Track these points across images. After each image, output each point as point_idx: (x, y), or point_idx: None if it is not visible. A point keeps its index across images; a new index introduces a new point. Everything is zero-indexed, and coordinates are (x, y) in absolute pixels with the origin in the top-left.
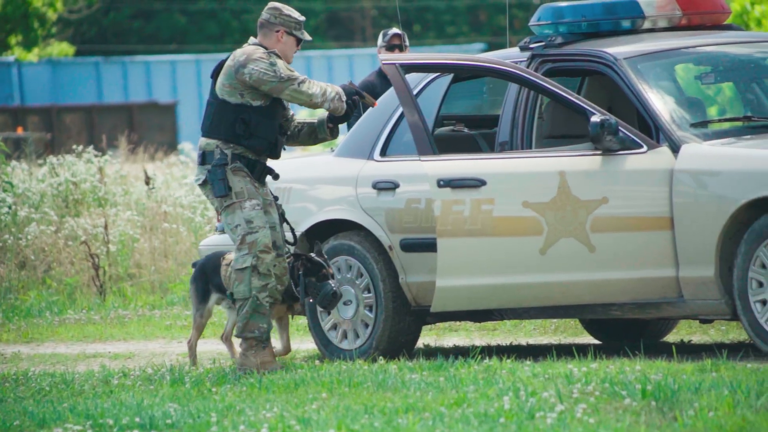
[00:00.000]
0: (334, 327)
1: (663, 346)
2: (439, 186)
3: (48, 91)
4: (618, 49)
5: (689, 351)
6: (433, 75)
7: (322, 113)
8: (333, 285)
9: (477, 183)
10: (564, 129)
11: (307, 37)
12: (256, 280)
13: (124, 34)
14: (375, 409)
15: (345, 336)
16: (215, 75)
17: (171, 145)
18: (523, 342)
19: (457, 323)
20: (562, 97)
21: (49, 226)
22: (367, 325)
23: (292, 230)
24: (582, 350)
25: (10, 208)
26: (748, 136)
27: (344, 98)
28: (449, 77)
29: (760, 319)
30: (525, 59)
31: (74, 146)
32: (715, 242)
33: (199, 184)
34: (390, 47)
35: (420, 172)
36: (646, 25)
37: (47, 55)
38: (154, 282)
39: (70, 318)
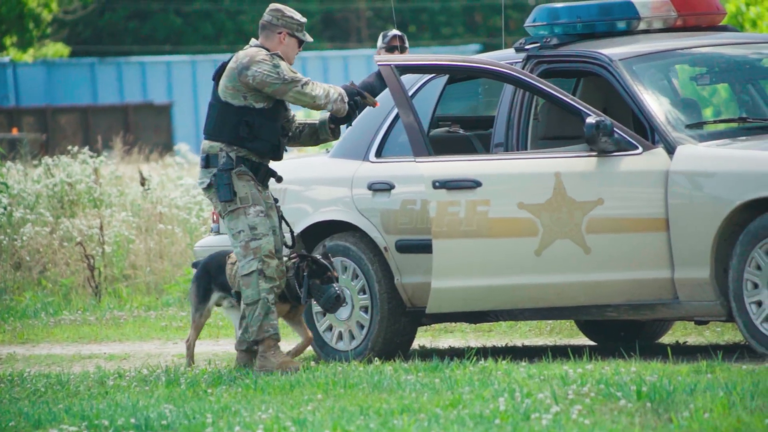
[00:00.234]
0: (330, 328)
1: (658, 348)
2: (435, 187)
3: (43, 91)
4: (613, 50)
5: (684, 352)
6: (428, 76)
7: (322, 114)
8: (337, 288)
9: (472, 184)
10: (559, 130)
11: (309, 38)
12: (264, 283)
13: (120, 35)
14: (370, 410)
15: (340, 337)
16: (217, 77)
17: (166, 146)
18: (519, 343)
19: (453, 324)
20: (558, 98)
21: (44, 227)
22: (362, 327)
23: (292, 233)
24: (577, 351)
25: (5, 209)
26: (744, 138)
27: (346, 99)
28: (444, 78)
29: (756, 321)
30: (520, 60)
31: (69, 147)
32: (710, 243)
33: (204, 188)
34: (390, 48)
35: (415, 173)
36: (642, 26)
37: (42, 56)
38: (150, 283)
39: (66, 319)
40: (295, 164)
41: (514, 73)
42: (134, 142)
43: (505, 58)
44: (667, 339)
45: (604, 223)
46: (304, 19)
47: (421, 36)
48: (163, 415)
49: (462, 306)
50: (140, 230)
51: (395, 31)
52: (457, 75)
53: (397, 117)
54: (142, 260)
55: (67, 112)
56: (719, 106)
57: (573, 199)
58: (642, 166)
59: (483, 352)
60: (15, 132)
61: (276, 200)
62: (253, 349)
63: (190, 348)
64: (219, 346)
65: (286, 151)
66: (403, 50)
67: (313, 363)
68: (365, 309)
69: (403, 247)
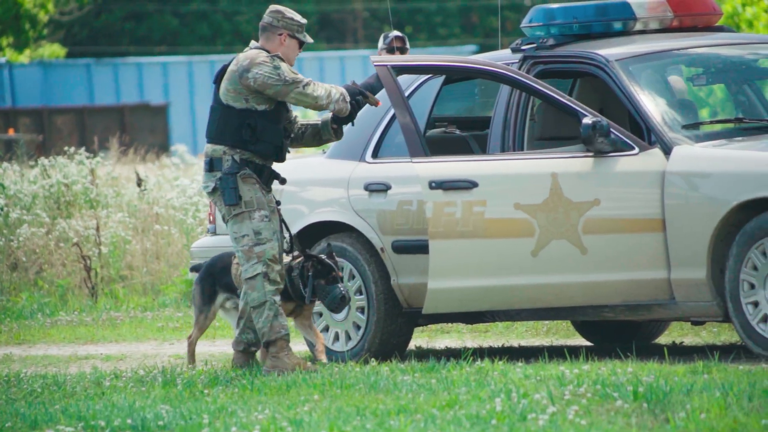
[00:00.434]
0: (326, 329)
1: (655, 348)
2: (431, 188)
3: (39, 92)
4: (609, 50)
5: (681, 353)
6: (424, 76)
7: (324, 114)
8: (342, 288)
9: (469, 185)
10: (556, 131)
11: (309, 39)
12: (268, 285)
13: (116, 36)
14: (367, 410)
15: (337, 338)
16: (218, 80)
17: (162, 147)
18: (515, 344)
19: (449, 325)
20: (554, 98)
21: (40, 228)
22: (359, 327)
23: (290, 235)
24: (574, 352)
25: (1, 209)
26: (740, 138)
27: (348, 99)
28: (441, 79)
29: (752, 321)
30: (517, 61)
31: (66, 148)
32: (706, 244)
33: (208, 192)
34: (391, 50)
35: (412, 173)
36: (638, 26)
37: (38, 57)
38: (146, 284)
39: (62, 320)
40: (291, 165)
41: (511, 74)
42: (130, 142)
43: (501, 58)
44: (663, 339)
45: (601, 223)
46: (304, 21)
47: (418, 37)
48: (160, 415)
49: (458, 306)
50: (137, 231)
51: (396, 33)
52: (454, 76)
53: (393, 118)
54: (138, 261)
55: (63, 112)
56: (715, 107)
57: (569, 199)
58: (638, 166)
59: (479, 353)
60: (11, 133)
61: (278, 203)
62: (250, 350)
63: (192, 345)
64: (215, 346)
65: (288, 152)
66: (403, 51)
67: (309, 363)
68: (362, 310)
69: (400, 248)
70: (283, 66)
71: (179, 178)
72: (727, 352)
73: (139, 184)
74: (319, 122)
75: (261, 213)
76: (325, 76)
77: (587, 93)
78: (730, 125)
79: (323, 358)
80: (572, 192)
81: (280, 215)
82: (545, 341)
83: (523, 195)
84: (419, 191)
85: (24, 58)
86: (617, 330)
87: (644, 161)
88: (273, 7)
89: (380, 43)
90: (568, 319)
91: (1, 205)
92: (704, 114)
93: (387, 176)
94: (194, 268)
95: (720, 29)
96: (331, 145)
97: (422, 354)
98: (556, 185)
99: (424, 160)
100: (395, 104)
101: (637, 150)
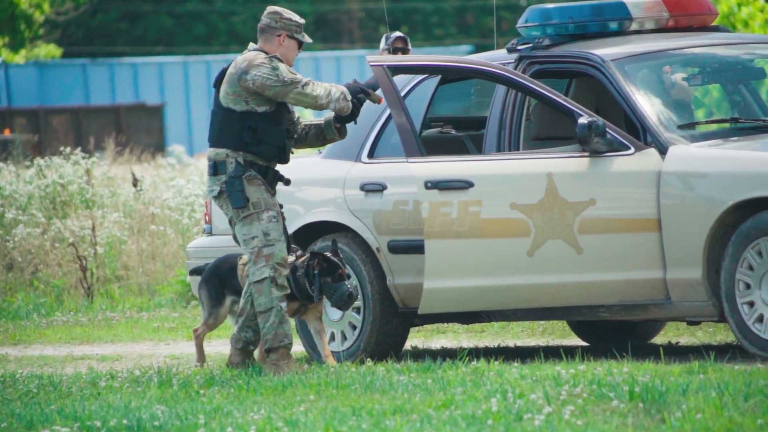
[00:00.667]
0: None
1: (650, 348)
2: (427, 188)
3: (35, 92)
4: (605, 50)
5: (677, 353)
6: (420, 77)
7: (327, 113)
8: (349, 286)
9: (464, 185)
10: (551, 131)
11: (308, 39)
12: (276, 290)
13: (111, 36)
14: (363, 411)
15: (333, 338)
16: (217, 84)
17: (158, 147)
18: (511, 344)
19: (445, 325)
20: (550, 98)
21: (36, 228)
22: (354, 327)
23: (287, 239)
24: (570, 352)
25: None
26: (735, 138)
27: (349, 97)
28: (437, 79)
29: (748, 321)
30: (512, 61)
31: (61, 148)
32: (702, 244)
33: (214, 196)
34: (393, 50)
35: (407, 173)
36: (634, 26)
37: (34, 57)
38: (142, 284)
39: (58, 320)
40: (287, 165)
41: (507, 74)
42: (126, 143)
43: (497, 58)
44: (659, 339)
45: (597, 223)
46: (302, 21)
47: (414, 37)
48: (156, 416)
49: (454, 306)
50: (132, 231)
51: (398, 33)
52: (450, 76)
53: (389, 118)
54: (134, 261)
55: (59, 113)
56: (711, 107)
57: (565, 199)
58: (634, 166)
59: (475, 353)
60: (7, 133)
61: (281, 206)
62: (248, 348)
63: (199, 338)
64: (211, 347)
65: (292, 153)
66: (405, 52)
67: (306, 366)
68: (357, 310)
69: (396, 248)
70: (282, 67)
71: (175, 178)
72: (722, 352)
73: (134, 185)
74: (322, 122)
75: (269, 214)
76: (321, 76)
77: (583, 93)
78: (726, 125)
79: (331, 361)
80: (568, 192)
81: (283, 217)
82: (541, 341)
83: (518, 195)
84: (415, 191)
85: (20, 58)
86: (613, 330)
87: (640, 161)
88: (270, 8)
89: (382, 44)
90: (563, 319)
91: None
92: (700, 114)
93: (383, 176)
94: (195, 271)
95: (716, 29)
96: (328, 144)
97: (418, 354)
98: (552, 185)
99: (420, 160)
100: (391, 104)
101: (632, 150)
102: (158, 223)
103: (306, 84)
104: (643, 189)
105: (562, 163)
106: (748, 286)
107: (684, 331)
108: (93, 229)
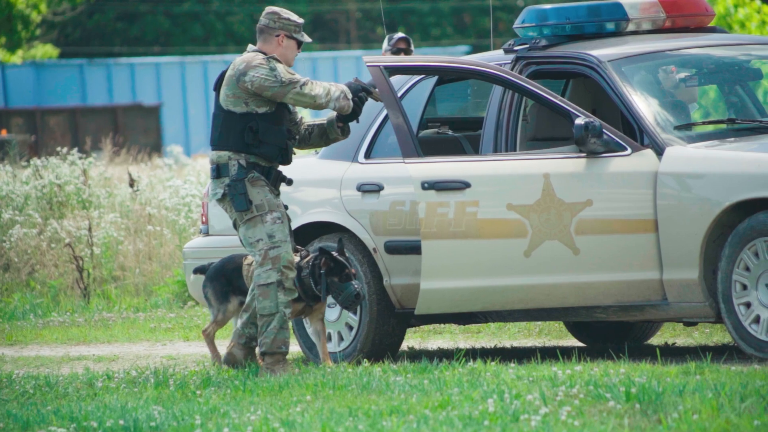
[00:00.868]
0: None
1: (647, 349)
2: (424, 188)
3: (32, 93)
4: (602, 51)
5: (673, 353)
6: (417, 77)
7: (330, 113)
8: (356, 285)
9: (461, 185)
10: (548, 131)
11: (307, 39)
12: (282, 295)
13: (108, 36)
14: (359, 411)
15: (329, 338)
16: (217, 87)
17: (155, 147)
18: (508, 344)
19: (442, 326)
20: (547, 99)
21: (32, 229)
22: (351, 328)
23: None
24: (566, 353)
25: None
26: (732, 139)
27: (350, 96)
28: (434, 79)
29: (744, 322)
30: (509, 61)
31: (58, 148)
32: (699, 245)
33: (218, 199)
34: (396, 51)
35: (404, 174)
36: (630, 27)
37: (31, 57)
38: (139, 284)
39: (54, 320)
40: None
41: (503, 75)
42: (123, 143)
43: (494, 59)
44: (656, 340)
45: (593, 224)
46: (301, 20)
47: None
48: (152, 416)
49: (451, 307)
50: (129, 232)
51: (401, 34)
52: (446, 76)
53: (386, 118)
54: (130, 262)
55: (56, 113)
56: (708, 108)
57: (562, 200)
58: (631, 167)
59: (472, 354)
60: (4, 133)
61: (286, 207)
62: (251, 344)
63: (209, 337)
64: (206, 347)
65: (294, 153)
66: (408, 53)
67: (302, 365)
68: (354, 310)
69: (392, 248)
70: (280, 67)
71: (172, 178)
72: (719, 352)
73: (131, 185)
74: (325, 122)
75: (273, 215)
76: (318, 76)
77: (580, 94)
78: (723, 126)
79: (329, 362)
80: (565, 192)
81: (288, 218)
82: (538, 342)
83: (515, 195)
84: (412, 192)
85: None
86: (610, 331)
87: (637, 162)
88: (269, 8)
89: (385, 45)
90: (560, 319)
91: None
92: (697, 115)
93: (380, 177)
94: (198, 270)
95: (712, 30)
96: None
97: (415, 355)
98: (549, 186)
99: (417, 161)
100: (388, 105)
101: (629, 151)
102: (155, 223)
103: (304, 84)
104: (639, 190)
105: (559, 164)
106: (744, 287)
107: (681, 332)
108: (90, 229)
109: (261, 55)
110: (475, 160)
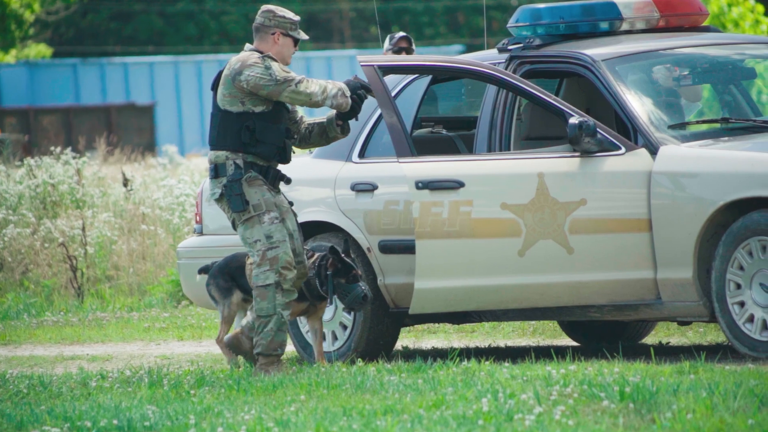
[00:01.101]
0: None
1: (641, 348)
2: (418, 188)
3: (25, 92)
4: (596, 50)
5: (667, 353)
6: (411, 77)
7: (330, 111)
8: (363, 287)
9: (455, 185)
10: (542, 131)
11: (304, 36)
12: (280, 297)
13: (102, 36)
14: (353, 411)
15: (323, 337)
16: (215, 87)
17: (149, 147)
18: (502, 344)
19: (436, 325)
20: (540, 98)
21: (26, 228)
22: (345, 327)
23: (301, 233)
24: (560, 352)
25: None
26: (726, 138)
27: (348, 93)
28: (427, 79)
29: (738, 321)
30: (503, 61)
31: (52, 148)
32: (693, 244)
33: (216, 199)
34: (398, 50)
35: (398, 173)
36: (624, 26)
37: (24, 57)
38: (132, 284)
39: (48, 320)
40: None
41: (497, 74)
42: (117, 142)
43: (488, 58)
44: (650, 340)
45: (587, 223)
46: (297, 18)
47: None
48: (146, 416)
49: (445, 307)
50: (123, 231)
51: (402, 33)
52: (440, 76)
53: (380, 117)
54: (124, 261)
55: (49, 113)
56: (702, 107)
57: (556, 199)
58: (625, 166)
59: (466, 353)
60: None
61: (291, 203)
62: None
63: (222, 343)
64: (202, 347)
65: (293, 153)
66: (409, 52)
67: (295, 366)
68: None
69: (386, 248)
70: (275, 66)
71: (166, 178)
72: (713, 352)
73: (125, 184)
74: (325, 120)
75: (270, 215)
76: (311, 76)
77: (574, 93)
78: (717, 125)
79: (324, 361)
80: (559, 192)
81: (294, 214)
82: (532, 341)
83: (509, 195)
84: (406, 191)
85: (10, 58)
86: (604, 330)
87: (631, 161)
88: (264, 6)
89: (386, 44)
90: (554, 319)
91: None
92: (690, 114)
93: (374, 176)
94: (204, 269)
95: (706, 29)
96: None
97: (409, 354)
98: (543, 185)
99: (411, 160)
100: (382, 104)
101: (623, 150)
102: (149, 223)
103: (299, 82)
104: (633, 189)
105: (553, 163)
106: (738, 286)
107: (675, 332)
108: (83, 229)
109: (256, 54)
110: (469, 159)
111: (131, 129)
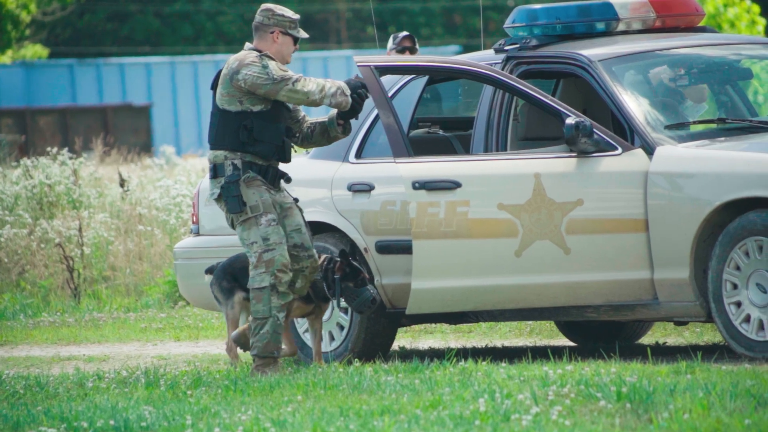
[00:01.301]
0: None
1: (638, 348)
2: (414, 188)
3: (22, 93)
4: (592, 51)
5: (664, 353)
6: (408, 77)
7: (332, 111)
8: (372, 291)
9: (452, 185)
10: (539, 131)
11: (304, 34)
12: (276, 300)
13: (98, 36)
14: (350, 411)
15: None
16: (214, 87)
17: (145, 147)
18: (499, 344)
19: (433, 325)
20: (537, 99)
21: (22, 229)
22: (342, 328)
23: (309, 230)
24: (557, 352)
25: None
26: (723, 138)
27: (348, 92)
28: (424, 79)
29: (735, 321)
30: (500, 61)
31: (48, 148)
32: (689, 244)
33: (215, 199)
34: (401, 50)
35: (395, 174)
36: (621, 27)
37: (21, 58)
38: (129, 284)
39: (45, 321)
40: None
41: (494, 74)
42: (113, 143)
43: (484, 59)
44: (646, 340)
45: (584, 223)
46: (296, 16)
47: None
48: (143, 416)
49: (442, 307)
50: (119, 232)
51: (405, 33)
52: (437, 76)
53: (377, 118)
54: (121, 262)
55: (46, 113)
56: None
57: (552, 200)
58: (621, 166)
59: (463, 353)
60: None
61: (296, 199)
62: None
63: (231, 349)
64: (199, 347)
65: (294, 152)
66: (413, 51)
67: (291, 367)
68: (345, 310)
69: (383, 248)
70: (272, 65)
71: (163, 178)
72: (710, 352)
73: (122, 185)
74: (326, 120)
75: (268, 217)
76: (308, 76)
77: (570, 93)
78: (713, 125)
79: (321, 362)
80: (555, 192)
81: (300, 210)
82: (529, 341)
83: (506, 195)
84: (403, 191)
85: (6, 58)
86: (600, 330)
87: (627, 161)
88: (263, 5)
89: (390, 43)
90: (551, 319)
91: None
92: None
93: (370, 176)
94: (209, 270)
95: (702, 30)
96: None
97: (406, 354)
98: (539, 185)
99: (408, 161)
100: (378, 104)
101: (620, 150)
102: (145, 223)
103: (297, 80)
104: (630, 189)
105: (550, 164)
106: (735, 287)
107: (671, 332)
108: (80, 229)
109: (254, 53)
110: (466, 159)
111: (128, 129)
